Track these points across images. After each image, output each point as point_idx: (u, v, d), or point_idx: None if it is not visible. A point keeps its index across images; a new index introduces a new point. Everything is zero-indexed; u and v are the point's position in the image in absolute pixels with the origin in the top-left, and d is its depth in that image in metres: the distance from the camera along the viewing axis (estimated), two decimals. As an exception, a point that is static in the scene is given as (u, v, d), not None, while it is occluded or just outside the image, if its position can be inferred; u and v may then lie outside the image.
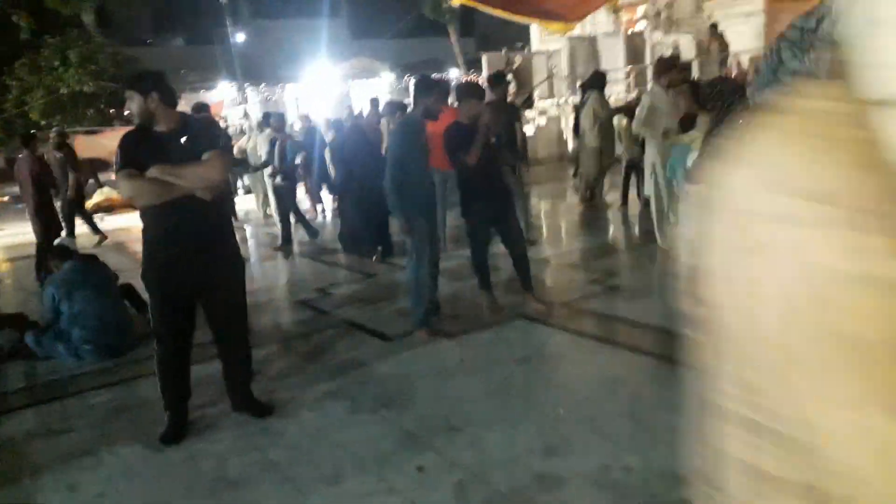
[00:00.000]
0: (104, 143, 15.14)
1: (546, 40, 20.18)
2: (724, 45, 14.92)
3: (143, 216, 3.38)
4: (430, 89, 4.53)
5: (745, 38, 15.27)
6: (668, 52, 16.72)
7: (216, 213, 3.43)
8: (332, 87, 24.81)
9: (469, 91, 4.94)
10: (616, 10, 18.96)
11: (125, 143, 3.29)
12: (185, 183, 3.21)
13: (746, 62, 14.32)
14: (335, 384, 4.04)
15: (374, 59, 33.20)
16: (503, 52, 19.31)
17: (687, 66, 6.81)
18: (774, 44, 1.63)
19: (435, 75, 34.85)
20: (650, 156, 6.26)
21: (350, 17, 41.24)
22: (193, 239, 3.29)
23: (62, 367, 4.82)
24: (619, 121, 8.56)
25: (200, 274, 3.35)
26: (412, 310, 4.73)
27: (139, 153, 3.23)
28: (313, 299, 6.05)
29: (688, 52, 16.65)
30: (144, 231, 3.42)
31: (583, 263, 6.50)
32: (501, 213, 4.85)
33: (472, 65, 39.52)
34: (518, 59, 18.36)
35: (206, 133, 3.36)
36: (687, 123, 5.35)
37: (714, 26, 15.10)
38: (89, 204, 14.07)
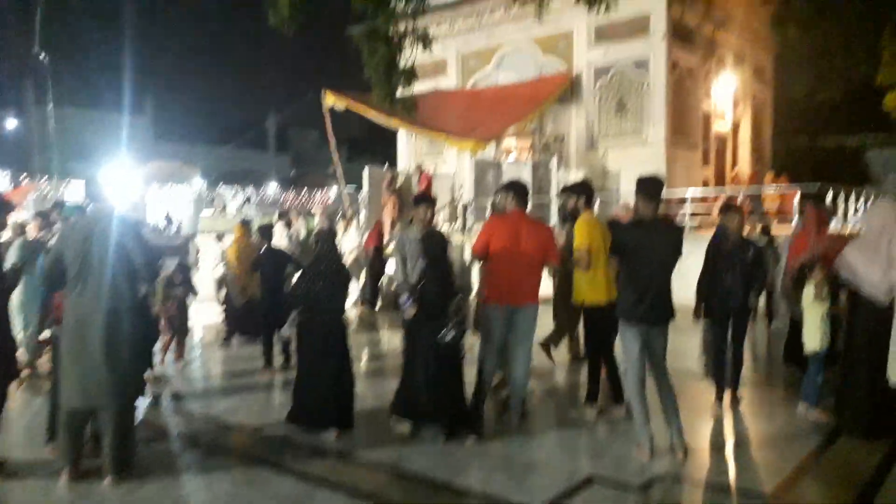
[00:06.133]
0: None
1: (425, 160, 18.42)
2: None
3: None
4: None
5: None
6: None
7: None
8: (132, 189, 20.63)
9: None
10: (498, 140, 17.96)
11: None
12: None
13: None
14: None
15: (184, 163, 29.43)
16: (385, 167, 17.23)
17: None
18: None
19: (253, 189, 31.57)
20: None
21: (155, 117, 36.95)
22: None
23: None
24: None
25: None
26: None
27: None
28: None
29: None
30: None
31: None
32: None
33: (291, 182, 37.26)
34: (401, 178, 16.29)
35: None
36: None
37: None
38: None
